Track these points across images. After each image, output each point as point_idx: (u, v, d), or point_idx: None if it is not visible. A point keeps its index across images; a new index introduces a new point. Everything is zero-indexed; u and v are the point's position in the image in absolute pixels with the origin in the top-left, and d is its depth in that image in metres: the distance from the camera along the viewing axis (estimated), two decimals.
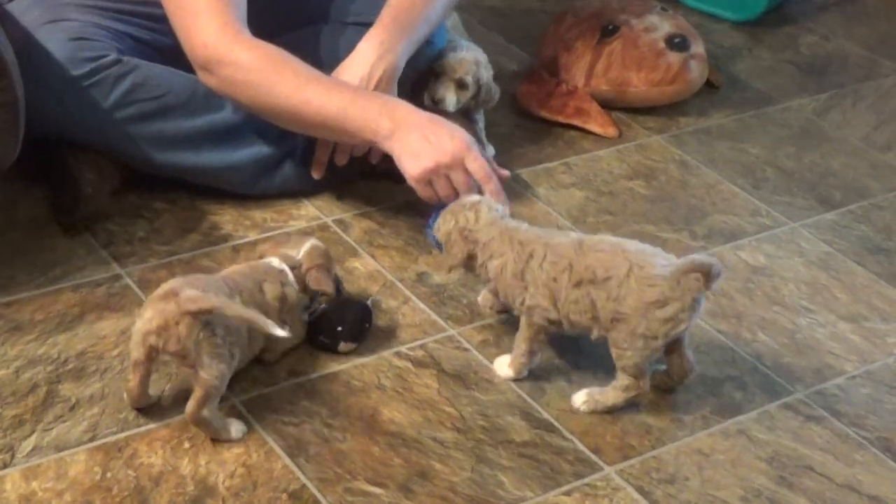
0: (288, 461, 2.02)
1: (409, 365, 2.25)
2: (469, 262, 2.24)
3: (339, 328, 2.24)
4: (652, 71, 3.13)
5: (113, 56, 2.43)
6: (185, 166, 2.53)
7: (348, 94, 2.40)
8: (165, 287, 2.02)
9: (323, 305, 2.24)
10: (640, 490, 2.05)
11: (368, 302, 2.31)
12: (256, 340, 2.12)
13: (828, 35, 3.75)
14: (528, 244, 2.18)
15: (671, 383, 2.25)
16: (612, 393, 2.19)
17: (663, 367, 2.24)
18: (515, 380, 2.25)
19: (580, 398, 2.20)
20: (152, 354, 1.99)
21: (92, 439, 2.02)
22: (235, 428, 2.07)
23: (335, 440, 2.07)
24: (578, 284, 2.13)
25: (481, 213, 2.23)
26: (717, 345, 2.38)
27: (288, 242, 2.27)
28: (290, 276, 2.20)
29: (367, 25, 2.59)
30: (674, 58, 3.14)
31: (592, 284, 2.12)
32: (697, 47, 3.21)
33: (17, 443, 1.99)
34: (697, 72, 3.19)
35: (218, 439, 2.05)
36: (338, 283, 2.31)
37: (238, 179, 2.58)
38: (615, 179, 2.87)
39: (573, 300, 2.14)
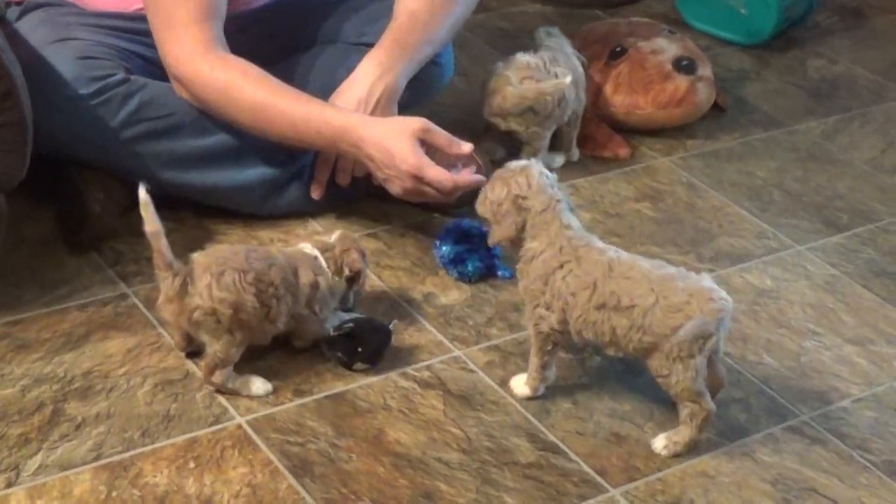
0: (293, 481, 2.02)
1: (416, 386, 2.25)
2: (518, 236, 2.20)
3: (360, 349, 2.25)
4: (659, 93, 3.14)
5: (120, 75, 2.44)
6: (193, 186, 2.54)
7: (315, 108, 2.43)
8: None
9: (350, 324, 2.24)
10: None
11: (391, 326, 2.31)
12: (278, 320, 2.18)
13: (835, 58, 3.75)
14: (566, 252, 2.16)
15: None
16: (683, 428, 2.17)
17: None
18: (532, 398, 2.25)
19: (660, 444, 2.18)
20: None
21: (97, 458, 2.02)
22: (257, 385, 2.16)
23: (340, 460, 2.07)
24: (601, 308, 2.12)
25: (533, 179, 2.18)
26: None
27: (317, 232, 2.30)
28: (323, 263, 2.24)
29: (368, 46, 2.61)
30: (681, 80, 3.15)
31: (615, 311, 2.11)
32: (705, 70, 3.22)
33: (23, 461, 2.00)
34: (705, 94, 3.20)
35: (241, 396, 2.16)
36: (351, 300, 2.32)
37: (245, 199, 2.58)
38: (622, 201, 2.88)
39: (592, 321, 2.13)
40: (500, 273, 2.53)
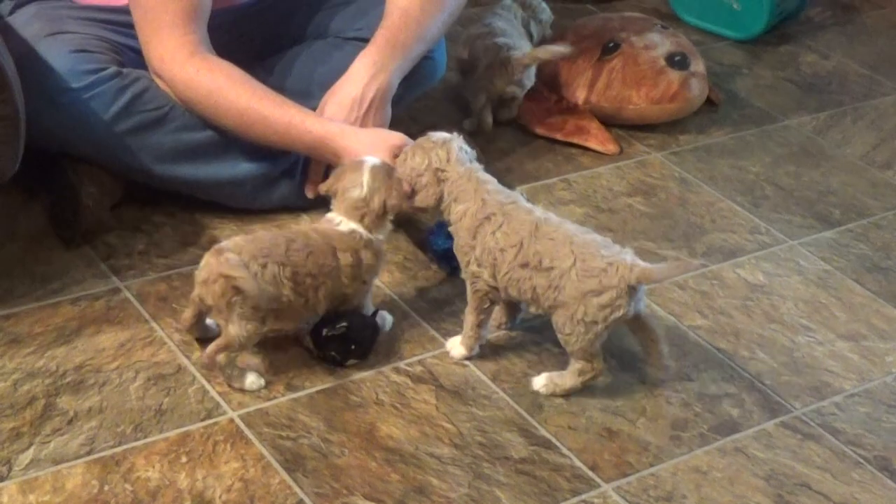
0: (285, 476, 2.02)
1: (408, 380, 2.25)
2: (438, 204, 2.28)
3: (353, 346, 2.25)
4: (652, 88, 3.14)
5: (113, 68, 2.43)
6: (185, 179, 2.54)
7: (297, 115, 2.44)
8: (222, 243, 2.16)
9: (343, 324, 2.24)
10: None
11: (378, 319, 2.31)
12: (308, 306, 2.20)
13: (827, 54, 3.75)
14: (490, 206, 2.23)
15: (652, 362, 2.29)
16: (569, 377, 2.24)
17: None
18: (468, 358, 2.30)
19: (540, 381, 2.26)
20: (198, 300, 2.16)
21: (89, 452, 2.02)
22: (251, 380, 2.17)
23: (333, 455, 2.07)
24: (524, 266, 2.19)
25: (452, 152, 2.27)
26: (716, 362, 2.38)
27: (346, 175, 2.26)
28: (363, 232, 2.23)
29: (366, 41, 2.61)
30: (674, 76, 3.15)
31: (536, 270, 2.18)
32: (697, 65, 3.22)
33: (15, 455, 1.99)
34: (697, 90, 3.20)
35: (231, 386, 2.17)
36: None
37: (237, 194, 2.58)
38: (615, 196, 2.87)
39: (516, 278, 2.20)
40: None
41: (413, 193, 2.28)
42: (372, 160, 2.27)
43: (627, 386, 2.30)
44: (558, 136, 3.06)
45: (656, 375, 2.30)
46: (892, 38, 3.92)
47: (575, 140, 3.06)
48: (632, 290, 2.15)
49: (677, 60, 3.17)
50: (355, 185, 2.25)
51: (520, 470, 2.09)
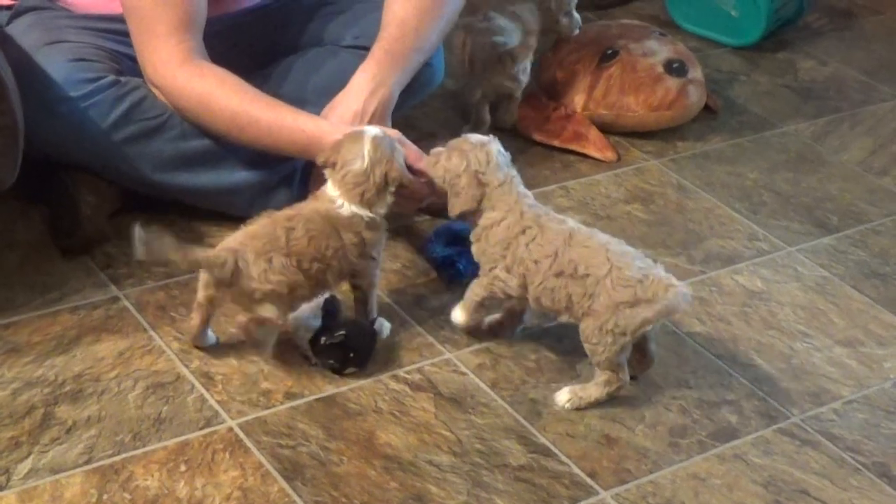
0: (284, 484, 2.02)
1: (406, 388, 2.25)
2: (477, 208, 2.26)
3: (352, 354, 2.25)
4: (650, 96, 3.14)
5: (111, 77, 2.44)
6: (183, 188, 2.54)
7: (288, 115, 2.43)
8: (229, 243, 2.18)
9: (342, 332, 2.24)
10: None
11: (376, 326, 2.31)
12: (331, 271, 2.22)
13: (825, 60, 3.76)
14: (527, 219, 2.23)
15: (631, 372, 2.28)
16: (593, 389, 2.24)
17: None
18: (465, 326, 2.35)
19: (563, 396, 2.25)
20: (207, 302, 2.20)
21: (88, 462, 2.02)
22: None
23: (331, 463, 2.07)
24: (559, 275, 2.19)
25: (492, 155, 2.26)
26: (714, 369, 2.38)
27: (346, 146, 2.24)
28: (363, 213, 2.22)
29: (364, 49, 2.61)
30: (672, 83, 3.15)
31: (572, 278, 2.18)
32: (695, 72, 3.22)
33: (14, 465, 1.99)
34: (695, 96, 3.20)
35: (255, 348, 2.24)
36: (337, 305, 2.31)
37: (235, 202, 2.58)
38: (613, 203, 2.88)
39: (550, 287, 2.20)
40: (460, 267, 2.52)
41: (442, 196, 2.29)
42: (372, 129, 2.26)
43: (626, 393, 2.29)
44: (556, 143, 3.07)
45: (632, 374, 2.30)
46: (889, 44, 3.93)
47: (573, 147, 3.06)
48: (664, 309, 2.15)
49: (675, 67, 3.17)
50: (356, 157, 2.22)
51: (518, 477, 2.09)
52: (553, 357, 2.35)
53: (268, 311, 2.15)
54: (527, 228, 2.22)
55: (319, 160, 2.28)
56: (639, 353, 2.27)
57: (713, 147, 3.20)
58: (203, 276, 2.20)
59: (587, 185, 2.94)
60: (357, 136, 2.24)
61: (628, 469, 2.14)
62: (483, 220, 2.26)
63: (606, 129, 3.13)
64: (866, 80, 3.66)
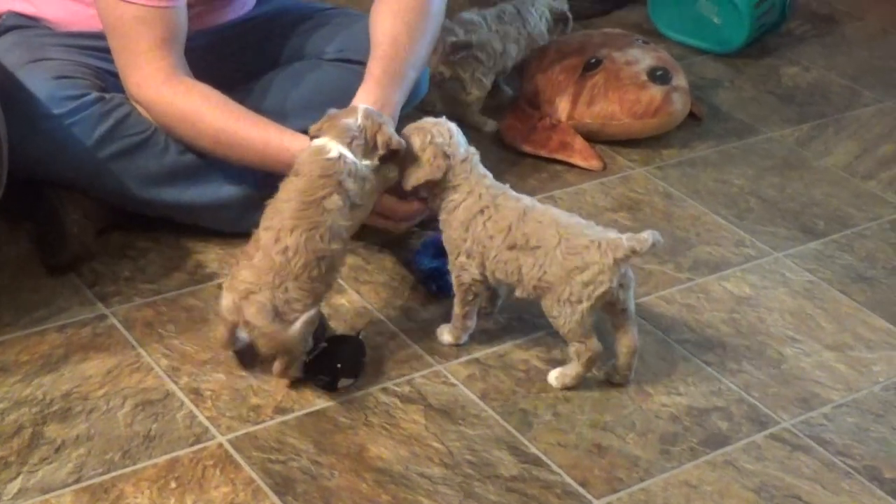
0: (275, 499, 2.01)
1: (396, 401, 2.25)
2: (443, 179, 2.30)
3: (339, 365, 2.24)
4: (635, 104, 3.14)
5: (95, 94, 2.43)
6: (169, 204, 2.53)
7: (274, 133, 2.43)
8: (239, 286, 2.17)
9: (322, 344, 2.24)
10: None
11: (361, 336, 2.31)
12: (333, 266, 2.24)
13: (808, 66, 3.76)
14: (485, 200, 2.29)
15: (619, 371, 2.33)
16: (572, 366, 2.29)
17: (611, 360, 2.34)
18: (455, 345, 2.38)
19: (553, 376, 2.32)
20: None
21: (78, 481, 2.01)
22: None
23: (323, 477, 2.07)
24: (512, 248, 2.25)
25: (453, 131, 2.33)
26: (703, 375, 2.39)
27: (339, 114, 2.28)
28: (349, 159, 2.23)
29: (346, 62, 2.62)
30: (656, 90, 3.15)
31: (523, 250, 2.24)
32: (679, 80, 3.22)
33: (3, 485, 1.98)
34: (680, 104, 3.20)
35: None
36: (322, 320, 2.31)
37: (222, 217, 2.58)
38: (600, 212, 2.88)
39: (503, 260, 2.27)
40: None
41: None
42: (364, 105, 2.31)
43: (616, 401, 2.30)
44: (543, 153, 3.07)
45: (613, 380, 2.33)
46: (871, 49, 3.94)
47: (559, 156, 3.06)
48: (615, 266, 2.20)
49: (659, 75, 3.17)
50: (349, 118, 2.26)
51: (510, 488, 2.09)
52: (542, 367, 2.35)
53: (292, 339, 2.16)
54: (485, 208, 2.28)
55: (312, 130, 2.29)
56: (620, 332, 2.29)
57: (699, 154, 3.20)
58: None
59: (574, 194, 2.94)
60: (350, 109, 2.30)
61: (620, 477, 2.14)
62: (446, 205, 2.31)
63: (592, 137, 3.13)
64: (849, 85, 3.67)
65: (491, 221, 2.27)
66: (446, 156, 2.29)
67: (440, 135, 2.30)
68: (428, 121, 2.34)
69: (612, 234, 2.23)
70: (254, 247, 2.20)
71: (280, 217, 2.20)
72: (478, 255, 2.29)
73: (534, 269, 2.23)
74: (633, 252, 2.20)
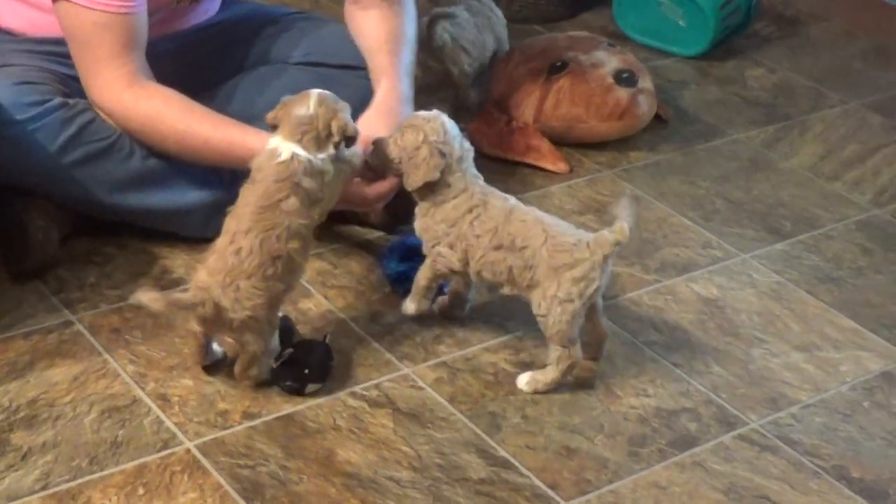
0: None
1: (365, 405, 2.24)
2: (439, 179, 2.29)
3: (307, 371, 2.24)
4: (601, 107, 3.15)
5: (59, 100, 2.42)
6: (135, 209, 2.52)
7: (236, 133, 2.42)
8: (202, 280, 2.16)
9: (289, 350, 2.23)
10: None
11: (327, 340, 2.30)
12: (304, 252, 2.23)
13: (774, 68, 3.77)
14: (475, 199, 2.29)
15: (591, 352, 2.33)
16: (550, 370, 2.29)
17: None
18: (418, 316, 2.40)
19: (523, 380, 2.31)
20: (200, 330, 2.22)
21: (44, 487, 2.00)
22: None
23: (291, 482, 2.06)
24: (498, 248, 2.26)
25: (447, 127, 2.31)
26: (672, 377, 2.39)
27: (292, 101, 2.24)
28: (302, 157, 2.19)
29: (311, 65, 2.62)
30: (622, 93, 3.16)
31: (510, 251, 2.25)
32: (645, 82, 3.23)
33: None
34: (646, 106, 3.21)
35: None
36: (290, 325, 2.31)
37: (188, 222, 2.57)
38: (567, 215, 2.87)
39: (490, 260, 2.27)
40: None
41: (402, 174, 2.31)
42: (318, 90, 2.25)
43: (584, 403, 2.30)
44: (509, 157, 3.07)
45: (580, 379, 2.33)
46: (836, 50, 3.95)
47: (526, 160, 3.06)
48: (604, 262, 2.21)
49: (625, 77, 3.18)
50: (301, 107, 2.22)
51: (479, 491, 2.08)
52: (511, 370, 2.35)
53: (252, 343, 2.16)
54: (474, 208, 2.28)
55: (269, 118, 2.26)
56: (590, 324, 2.30)
57: (665, 156, 3.21)
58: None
59: (541, 197, 2.94)
60: (303, 96, 2.24)
61: (588, 479, 2.14)
62: (435, 197, 2.30)
63: (558, 140, 3.13)
64: (814, 87, 3.68)
65: (479, 221, 2.27)
66: (442, 154, 2.28)
67: (434, 132, 2.28)
68: (420, 116, 2.32)
69: (593, 234, 2.24)
70: (210, 252, 2.19)
71: (237, 222, 2.18)
72: (461, 252, 2.29)
73: (525, 270, 2.24)
74: (618, 244, 2.21)
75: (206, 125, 2.42)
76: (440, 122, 2.30)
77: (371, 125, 2.40)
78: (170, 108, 2.43)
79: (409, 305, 2.39)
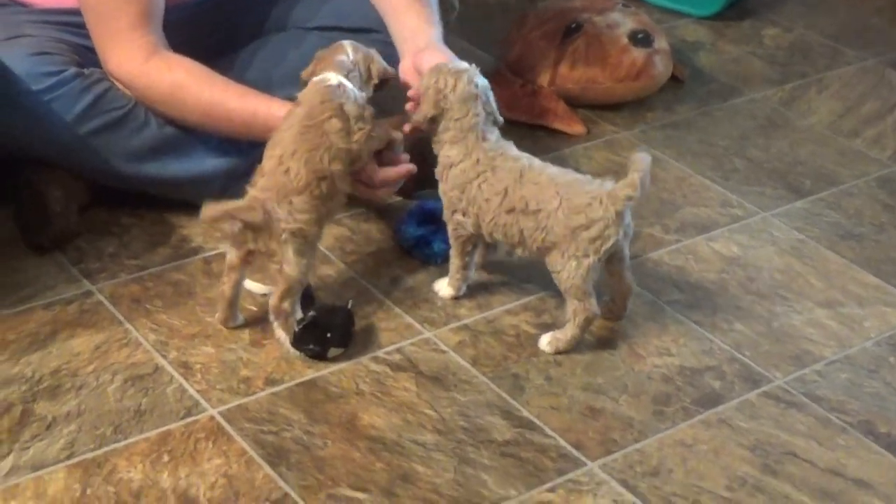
0: (269, 470, 2.00)
1: (387, 369, 2.24)
2: (431, 125, 2.33)
3: (329, 334, 2.23)
4: (616, 67, 3.13)
5: (74, 69, 2.41)
6: (152, 178, 2.51)
7: (262, 103, 2.43)
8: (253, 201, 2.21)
9: (311, 313, 2.23)
10: (625, 483, 2.04)
11: (349, 305, 2.30)
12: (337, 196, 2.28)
13: (789, 26, 3.75)
14: (483, 163, 2.29)
15: (614, 309, 2.37)
16: (568, 328, 2.29)
17: (605, 298, 2.36)
18: (455, 297, 2.41)
19: (545, 340, 2.31)
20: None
21: (70, 457, 2.00)
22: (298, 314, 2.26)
23: (315, 447, 2.05)
24: (510, 211, 2.25)
25: (460, 84, 2.30)
26: (694, 336, 2.38)
27: (328, 53, 2.35)
28: (348, 87, 2.29)
29: (329, 29, 2.61)
30: (638, 53, 3.14)
31: (523, 214, 2.25)
32: (661, 42, 3.21)
33: None
34: (662, 67, 3.19)
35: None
36: (310, 291, 2.30)
37: (206, 191, 2.54)
38: None
39: (502, 223, 2.27)
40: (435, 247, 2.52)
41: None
42: (348, 41, 2.36)
43: (608, 363, 2.29)
44: (525, 119, 3.05)
45: (607, 318, 2.37)
46: (852, 6, 3.93)
47: (542, 122, 3.05)
48: (619, 218, 2.21)
49: (640, 38, 3.16)
50: (341, 55, 2.33)
51: (504, 452, 2.08)
52: (532, 332, 2.34)
53: (292, 265, 2.18)
54: (481, 172, 2.28)
55: (304, 74, 2.34)
56: (615, 278, 2.32)
57: (682, 117, 3.19)
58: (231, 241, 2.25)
59: (557, 159, 2.91)
60: (337, 46, 2.36)
61: (614, 439, 2.13)
62: (441, 158, 2.33)
63: (574, 102, 3.12)
64: (831, 45, 3.66)
65: (487, 184, 2.27)
66: (438, 105, 2.30)
67: (444, 83, 2.29)
68: (448, 64, 2.33)
69: (608, 185, 2.23)
70: (258, 174, 2.24)
71: (282, 144, 2.24)
72: (473, 215, 2.29)
73: (536, 231, 2.23)
74: (630, 199, 2.20)
75: (229, 95, 2.42)
76: (457, 76, 2.30)
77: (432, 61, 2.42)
78: (192, 79, 2.43)
79: (446, 289, 2.41)
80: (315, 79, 2.30)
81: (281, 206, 2.18)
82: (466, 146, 2.29)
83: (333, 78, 2.28)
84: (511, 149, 2.32)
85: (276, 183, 2.20)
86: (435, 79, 2.30)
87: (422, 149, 2.41)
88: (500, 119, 2.36)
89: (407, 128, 2.38)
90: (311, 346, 2.22)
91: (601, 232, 2.20)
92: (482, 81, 2.33)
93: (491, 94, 2.34)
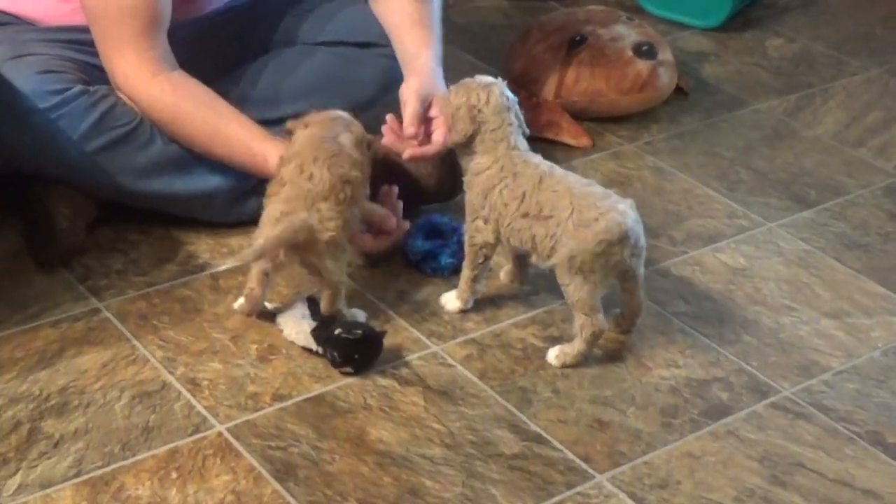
0: (277, 486, 2.00)
1: (395, 383, 2.24)
2: (467, 143, 2.33)
3: (357, 356, 2.23)
4: (621, 80, 3.13)
5: (80, 87, 2.42)
6: (158, 195, 2.52)
7: (256, 139, 2.45)
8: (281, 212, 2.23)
9: (359, 331, 2.24)
10: (633, 496, 2.04)
11: (353, 311, 2.33)
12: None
13: (793, 36, 3.76)
14: (507, 170, 2.30)
15: (622, 324, 2.37)
16: (576, 342, 2.29)
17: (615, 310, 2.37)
18: (463, 311, 2.41)
19: (552, 354, 2.31)
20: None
21: (77, 474, 2.00)
22: (352, 312, 2.34)
23: (324, 462, 2.05)
24: (525, 216, 2.27)
25: (493, 97, 2.32)
26: (702, 347, 2.38)
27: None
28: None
29: (335, 44, 2.61)
30: (642, 66, 3.15)
31: (536, 219, 2.26)
32: (665, 54, 3.21)
33: (2, 482, 1.97)
34: (666, 78, 3.20)
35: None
36: (315, 297, 2.31)
37: (212, 208, 2.57)
38: None
39: (517, 228, 2.29)
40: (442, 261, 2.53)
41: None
42: (333, 112, 2.39)
43: (615, 376, 2.29)
44: (530, 132, 3.04)
45: (614, 331, 2.37)
46: (855, 17, 3.93)
47: (547, 135, 3.05)
48: (624, 238, 2.20)
49: (644, 50, 3.17)
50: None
51: (513, 466, 2.08)
52: (540, 345, 2.34)
53: (334, 272, 2.24)
54: (503, 178, 2.30)
55: (290, 125, 2.37)
56: (627, 295, 2.33)
57: (687, 128, 3.19)
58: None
59: None
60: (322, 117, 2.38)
61: (622, 451, 2.13)
62: (472, 166, 2.34)
63: (579, 115, 3.12)
64: (835, 55, 3.66)
65: (507, 189, 2.28)
66: (475, 120, 2.31)
67: (477, 98, 2.31)
68: (475, 80, 2.35)
69: (621, 205, 2.23)
70: (279, 184, 2.26)
71: (300, 154, 2.27)
72: (493, 222, 2.31)
73: (546, 238, 2.24)
74: (602, 242, 2.20)
75: (233, 126, 2.46)
76: (488, 89, 2.33)
77: (428, 87, 2.47)
78: (197, 107, 2.45)
79: (453, 302, 2.41)
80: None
81: (311, 215, 2.20)
82: (496, 153, 2.31)
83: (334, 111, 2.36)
84: (533, 156, 2.34)
85: (301, 190, 2.22)
86: (466, 97, 2.32)
87: (452, 159, 2.45)
88: (527, 130, 2.38)
89: (407, 154, 2.42)
90: (335, 354, 2.22)
91: (605, 249, 2.20)
92: (505, 88, 2.36)
93: (517, 106, 2.37)
